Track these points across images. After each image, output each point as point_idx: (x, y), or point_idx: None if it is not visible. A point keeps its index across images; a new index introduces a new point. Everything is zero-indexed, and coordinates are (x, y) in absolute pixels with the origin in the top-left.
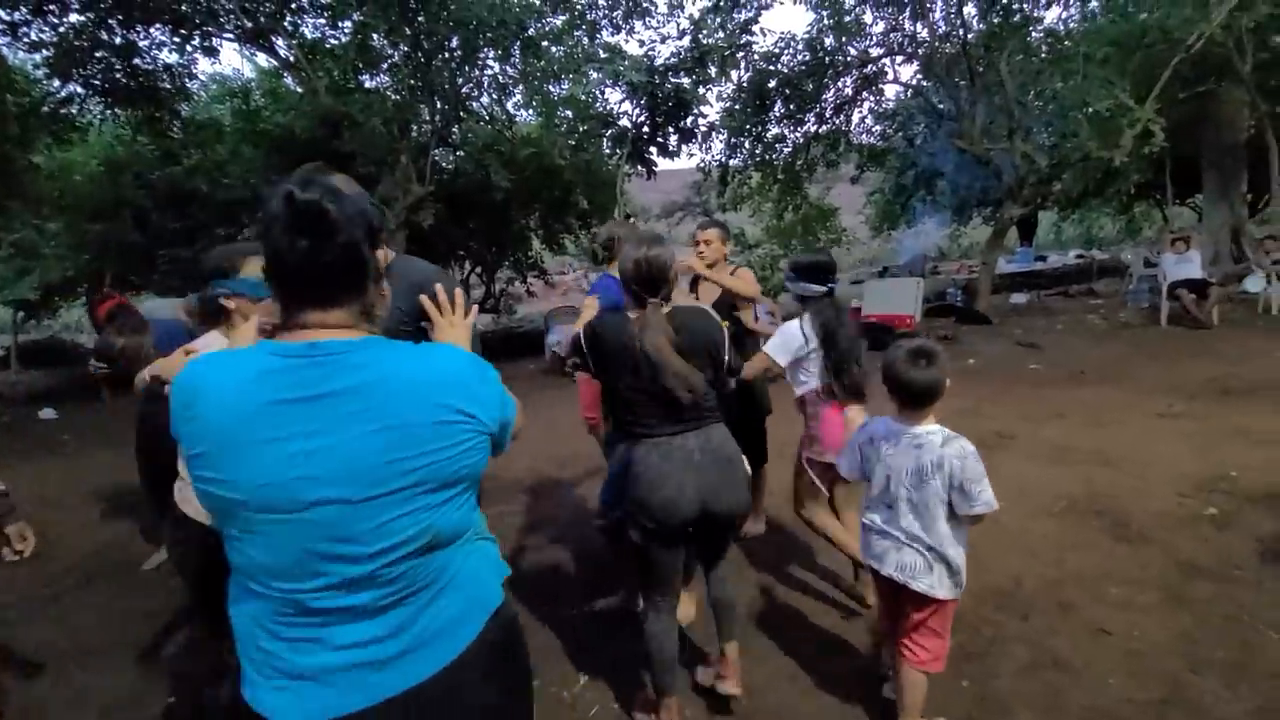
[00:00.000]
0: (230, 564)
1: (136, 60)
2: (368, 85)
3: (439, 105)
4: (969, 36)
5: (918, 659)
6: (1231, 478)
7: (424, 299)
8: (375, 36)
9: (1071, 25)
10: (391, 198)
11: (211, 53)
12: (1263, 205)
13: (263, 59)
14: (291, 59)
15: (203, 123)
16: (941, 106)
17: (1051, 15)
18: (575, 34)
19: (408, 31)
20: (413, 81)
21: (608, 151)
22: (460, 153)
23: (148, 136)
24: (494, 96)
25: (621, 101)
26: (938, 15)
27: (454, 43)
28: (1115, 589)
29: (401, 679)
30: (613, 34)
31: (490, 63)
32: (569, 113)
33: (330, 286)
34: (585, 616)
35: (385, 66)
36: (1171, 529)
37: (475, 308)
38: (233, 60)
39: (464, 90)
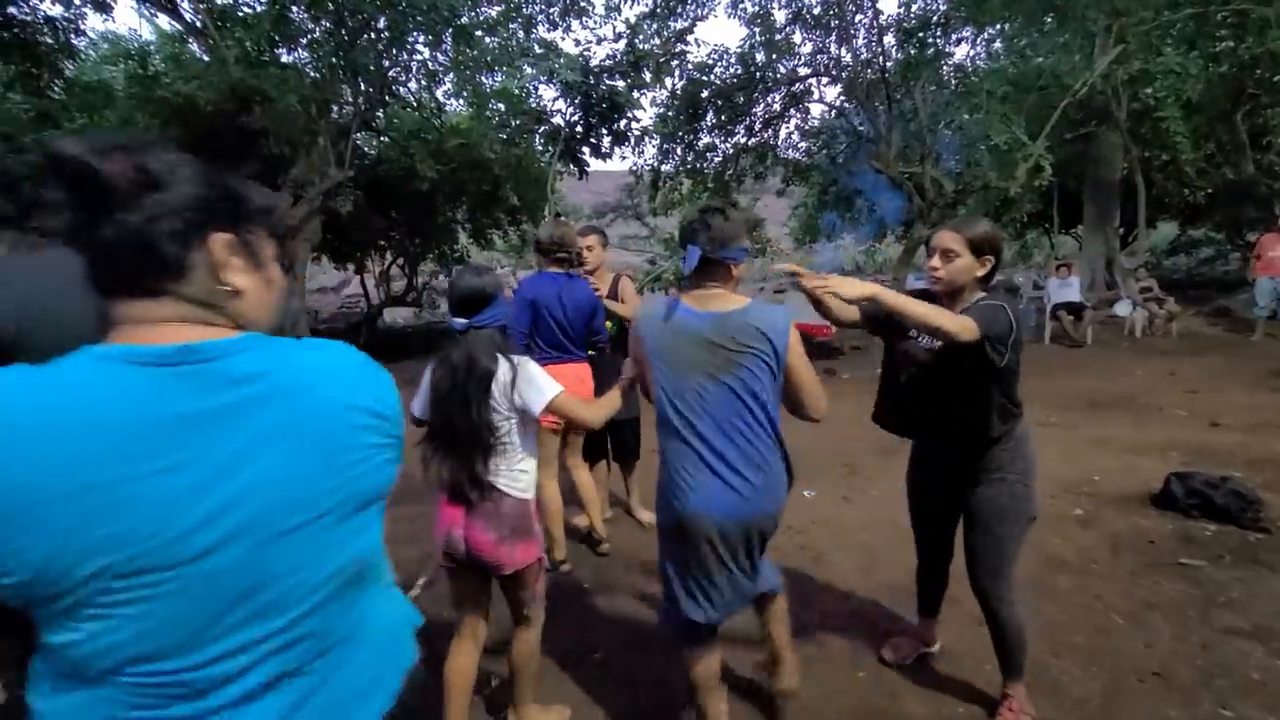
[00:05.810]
0: (48, 650)
1: (12, 9)
2: (284, 60)
3: (362, 87)
4: (888, 65)
5: None
6: (1094, 482)
7: None
8: (294, 9)
9: (979, 63)
10: (306, 181)
11: (104, 8)
12: (1132, 239)
13: (165, 21)
14: (198, 24)
15: (90, 84)
16: (862, 128)
17: (961, 52)
18: (510, 26)
19: (330, 6)
20: (334, 60)
21: (540, 148)
22: (384, 139)
23: (21, 95)
24: (422, 83)
25: (555, 99)
26: (860, 42)
27: (381, 23)
28: None
29: None
30: (549, 30)
31: (420, 48)
32: (501, 106)
33: (152, 273)
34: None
35: (305, 41)
36: (1042, 528)
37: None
38: (129, 20)
39: (390, 74)
